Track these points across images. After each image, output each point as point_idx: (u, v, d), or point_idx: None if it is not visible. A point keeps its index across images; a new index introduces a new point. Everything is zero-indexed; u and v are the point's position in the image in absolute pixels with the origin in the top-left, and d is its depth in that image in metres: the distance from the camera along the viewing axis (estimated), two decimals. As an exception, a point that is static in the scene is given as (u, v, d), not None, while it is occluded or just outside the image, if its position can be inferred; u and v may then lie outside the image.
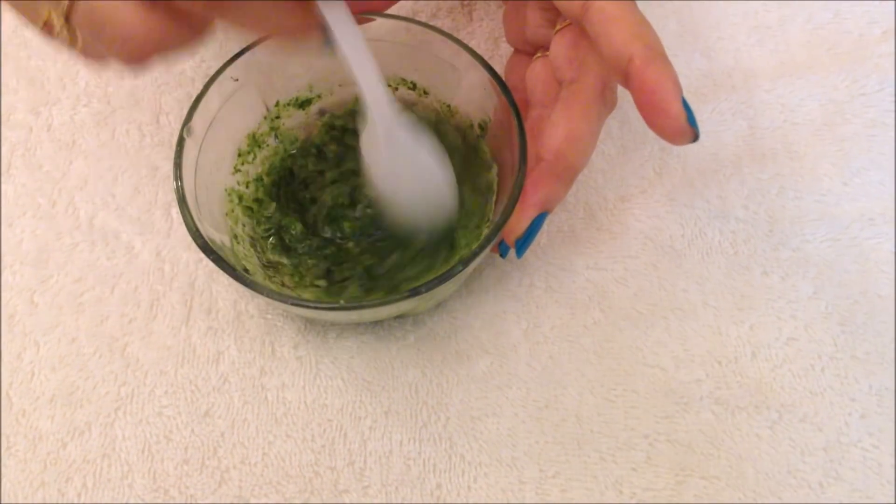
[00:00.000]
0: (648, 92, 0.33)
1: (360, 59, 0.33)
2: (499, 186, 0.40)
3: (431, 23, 0.48)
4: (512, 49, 0.44)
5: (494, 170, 0.40)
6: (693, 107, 0.46)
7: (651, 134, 0.45)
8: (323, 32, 0.32)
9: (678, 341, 0.41)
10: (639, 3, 0.49)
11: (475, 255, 0.35)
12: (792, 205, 0.44)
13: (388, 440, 0.39)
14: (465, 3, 0.49)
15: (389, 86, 0.43)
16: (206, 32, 0.32)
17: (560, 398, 0.40)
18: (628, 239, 0.43)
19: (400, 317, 0.41)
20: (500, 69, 0.42)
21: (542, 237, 0.43)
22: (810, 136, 0.45)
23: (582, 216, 0.44)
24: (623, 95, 0.47)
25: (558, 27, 0.38)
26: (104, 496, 0.38)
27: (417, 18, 0.41)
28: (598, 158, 0.45)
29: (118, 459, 0.38)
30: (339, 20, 0.32)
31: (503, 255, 0.39)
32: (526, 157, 0.37)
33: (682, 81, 0.47)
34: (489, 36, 0.48)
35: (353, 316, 0.39)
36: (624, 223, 0.43)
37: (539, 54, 0.40)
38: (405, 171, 0.37)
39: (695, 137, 0.33)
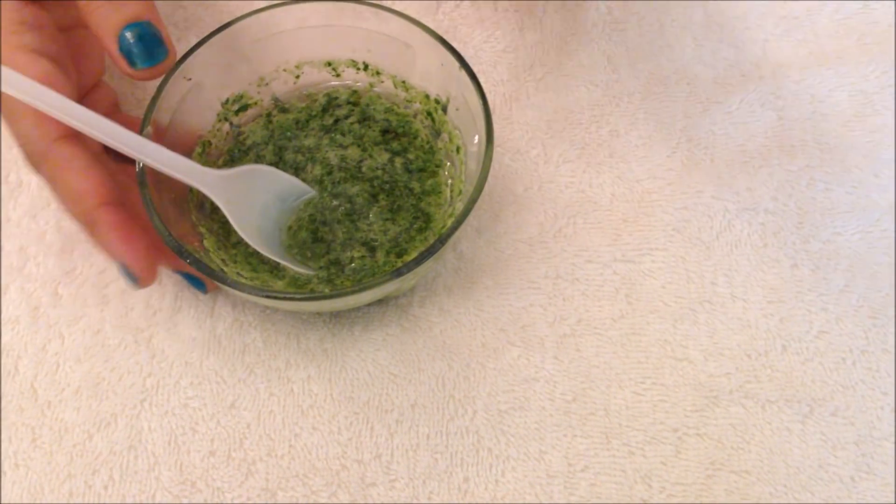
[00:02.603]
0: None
1: (147, 156, 0.36)
2: (467, 158, 0.40)
3: (456, 12, 0.48)
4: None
5: (460, 142, 0.41)
6: (720, 98, 0.46)
7: (679, 125, 0.46)
8: None
9: (707, 334, 0.40)
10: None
11: (453, 230, 0.35)
12: (822, 196, 0.43)
13: (415, 433, 0.38)
14: None
15: (335, 70, 0.43)
16: None
17: (588, 391, 0.39)
18: (656, 231, 0.43)
19: (382, 303, 0.41)
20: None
21: (568, 228, 0.43)
22: (840, 127, 0.45)
23: (608, 208, 0.43)
24: (663, 88, 0.47)
25: None
26: (131, 488, 0.37)
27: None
28: (625, 149, 0.45)
29: (144, 451, 0.38)
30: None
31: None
32: (492, 128, 0.37)
33: (709, 72, 0.47)
34: (514, 26, 0.48)
35: (339, 304, 0.38)
36: (651, 215, 0.43)
37: None
38: (255, 208, 0.39)
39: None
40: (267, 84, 0.43)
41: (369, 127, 0.43)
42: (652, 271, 0.42)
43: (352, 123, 0.43)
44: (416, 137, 0.42)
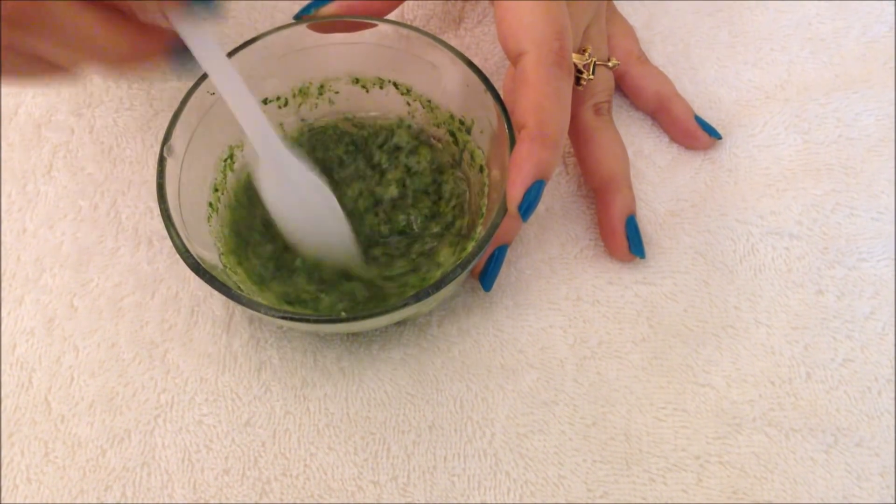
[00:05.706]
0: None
1: (234, 92, 0.33)
2: (490, 180, 0.39)
3: (479, 29, 0.47)
4: None
5: (483, 161, 0.40)
6: (745, 120, 0.45)
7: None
8: (175, 56, 0.29)
9: (730, 360, 0.40)
10: (692, 13, 0.49)
11: (474, 255, 0.35)
12: (847, 222, 0.42)
13: (433, 455, 0.38)
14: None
15: (364, 87, 0.43)
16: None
17: (608, 416, 0.39)
18: (678, 254, 0.42)
19: (400, 323, 0.41)
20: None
21: (589, 249, 0.42)
22: (866, 151, 0.44)
23: (631, 229, 0.43)
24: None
25: None
26: (144, 506, 0.37)
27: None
28: (648, 171, 0.44)
29: (158, 468, 0.38)
30: (205, 50, 0.29)
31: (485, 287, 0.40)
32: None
33: (733, 94, 0.46)
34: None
35: (355, 326, 0.37)
36: (674, 237, 0.42)
37: None
38: (296, 203, 0.37)
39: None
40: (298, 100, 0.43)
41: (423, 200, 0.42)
42: (674, 294, 0.41)
43: (423, 191, 0.42)
44: (446, 198, 0.42)
